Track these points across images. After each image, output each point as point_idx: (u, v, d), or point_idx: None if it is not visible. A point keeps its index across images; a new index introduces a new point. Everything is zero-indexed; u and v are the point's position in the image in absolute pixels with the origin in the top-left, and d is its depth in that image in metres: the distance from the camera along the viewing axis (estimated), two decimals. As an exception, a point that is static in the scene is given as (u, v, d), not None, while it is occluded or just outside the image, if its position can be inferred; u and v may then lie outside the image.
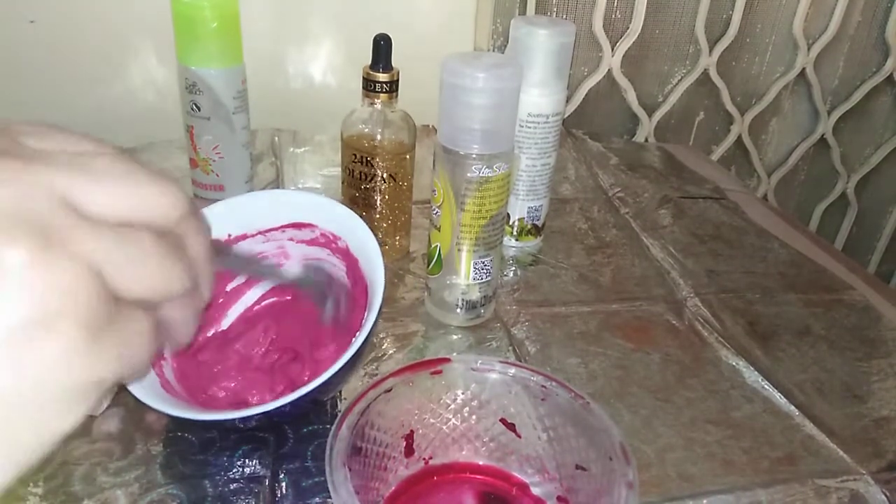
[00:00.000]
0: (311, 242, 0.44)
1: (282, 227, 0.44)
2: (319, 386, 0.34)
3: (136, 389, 0.35)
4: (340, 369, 0.34)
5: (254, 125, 0.60)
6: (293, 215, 0.43)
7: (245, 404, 0.40)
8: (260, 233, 0.44)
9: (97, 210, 0.19)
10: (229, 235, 0.43)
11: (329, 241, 0.43)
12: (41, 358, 0.18)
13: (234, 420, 0.36)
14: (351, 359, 0.34)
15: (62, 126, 0.21)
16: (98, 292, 0.18)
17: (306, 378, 0.40)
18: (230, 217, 0.43)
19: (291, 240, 0.44)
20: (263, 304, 0.46)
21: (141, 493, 0.36)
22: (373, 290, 0.38)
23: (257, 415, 0.34)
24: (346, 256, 0.43)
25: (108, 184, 0.20)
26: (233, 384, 0.41)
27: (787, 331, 0.55)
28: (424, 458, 0.37)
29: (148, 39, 0.77)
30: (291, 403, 0.34)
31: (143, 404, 0.35)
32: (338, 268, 0.43)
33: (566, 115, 0.92)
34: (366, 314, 0.37)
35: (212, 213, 0.42)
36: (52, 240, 0.18)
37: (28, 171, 0.18)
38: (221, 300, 0.45)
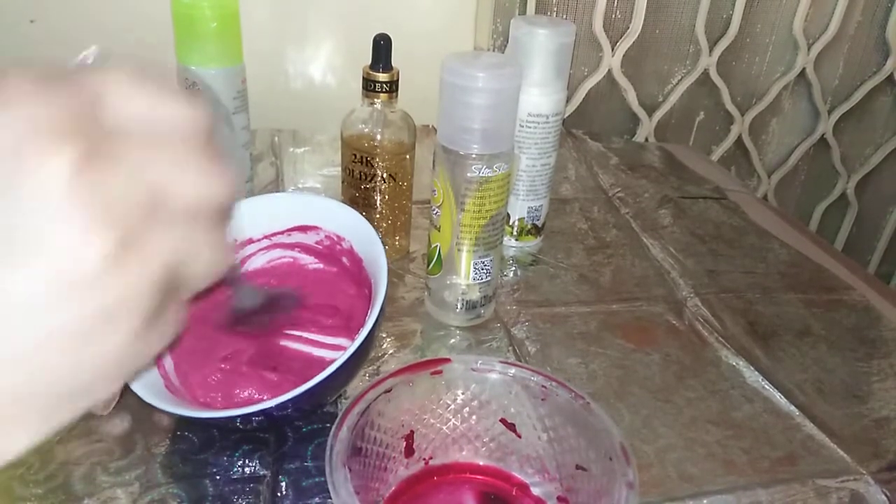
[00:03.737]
0: (318, 244, 0.44)
1: (287, 230, 0.43)
2: (321, 383, 0.34)
3: (139, 389, 0.35)
4: (342, 367, 0.34)
5: (254, 125, 0.60)
6: (297, 218, 0.43)
7: (245, 403, 0.40)
8: (265, 237, 0.44)
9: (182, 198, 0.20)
10: (234, 240, 0.43)
11: (334, 243, 0.43)
12: (102, 350, 0.19)
13: (235, 418, 0.36)
14: (353, 357, 0.34)
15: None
16: (162, 287, 0.20)
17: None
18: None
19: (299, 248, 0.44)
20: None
21: (141, 493, 0.36)
22: (377, 287, 0.38)
23: (257, 412, 0.34)
24: (351, 256, 0.43)
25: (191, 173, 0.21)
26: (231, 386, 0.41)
27: (788, 331, 0.55)
28: (424, 459, 0.37)
29: (148, 39, 0.77)
30: (293, 403, 0.34)
31: (147, 404, 0.35)
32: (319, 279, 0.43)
33: (566, 115, 0.92)
34: (369, 311, 0.37)
35: None
36: (129, 245, 0.19)
37: (117, 170, 0.19)
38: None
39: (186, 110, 0.22)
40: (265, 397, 0.40)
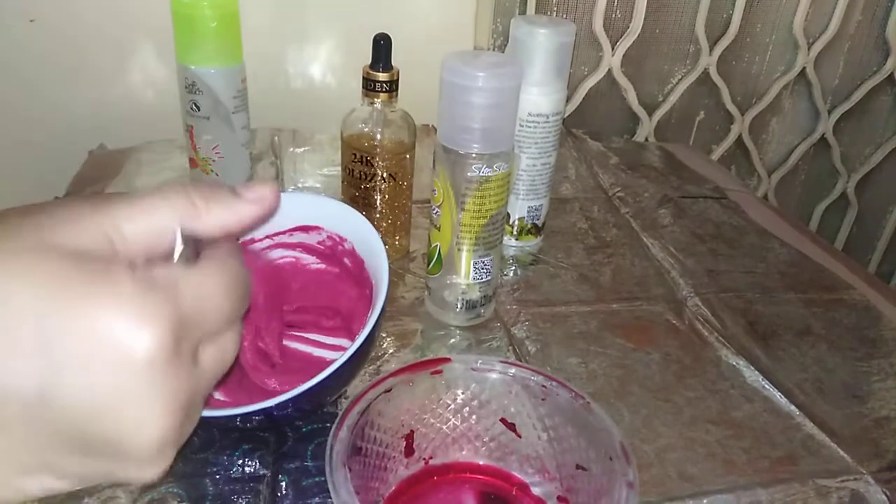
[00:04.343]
0: (320, 244, 0.44)
1: (289, 230, 0.43)
2: (321, 382, 0.34)
3: None
4: (342, 367, 0.34)
5: (253, 125, 0.60)
6: (300, 218, 0.43)
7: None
8: (268, 237, 0.44)
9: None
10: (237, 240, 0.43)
11: (336, 244, 0.43)
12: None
13: (235, 417, 0.36)
14: (353, 357, 0.34)
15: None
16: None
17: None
18: None
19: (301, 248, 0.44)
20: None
21: (141, 492, 0.36)
22: (378, 289, 0.38)
23: (258, 411, 0.34)
24: (353, 257, 0.43)
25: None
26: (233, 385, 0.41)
27: (788, 330, 0.55)
28: (424, 458, 0.37)
29: (148, 39, 0.77)
30: (293, 403, 0.34)
31: None
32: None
33: (566, 115, 0.92)
34: (370, 313, 0.37)
35: None
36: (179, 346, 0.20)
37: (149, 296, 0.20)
38: None
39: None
40: (265, 397, 0.40)
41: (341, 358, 0.34)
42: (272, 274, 0.44)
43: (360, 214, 0.42)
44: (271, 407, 0.34)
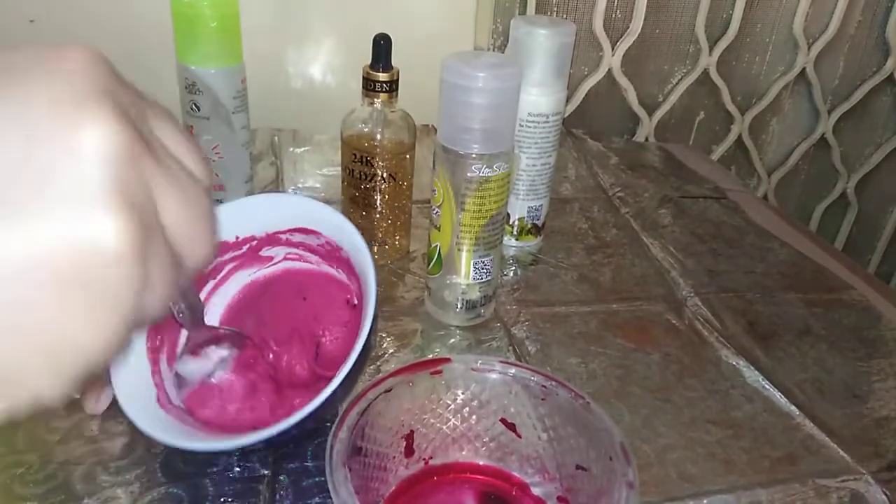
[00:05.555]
0: (321, 246, 0.43)
1: (290, 230, 0.43)
2: (317, 408, 0.33)
3: (132, 410, 0.35)
4: (339, 385, 0.34)
5: (253, 125, 0.60)
6: (298, 221, 0.43)
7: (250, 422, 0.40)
8: (268, 235, 0.43)
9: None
10: (237, 238, 0.43)
11: (333, 250, 0.42)
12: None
13: (234, 449, 0.36)
14: (349, 373, 0.34)
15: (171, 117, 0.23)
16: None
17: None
18: (239, 219, 0.42)
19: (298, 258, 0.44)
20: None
21: (141, 492, 0.36)
22: (366, 308, 0.37)
23: (259, 441, 0.34)
24: (348, 268, 0.42)
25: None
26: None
27: (788, 330, 0.55)
28: (424, 459, 0.37)
29: (147, 39, 0.77)
30: (277, 436, 0.33)
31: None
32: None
33: (566, 115, 0.92)
34: (360, 330, 0.35)
35: (219, 215, 0.41)
36: (146, 249, 0.19)
37: (145, 159, 0.20)
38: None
39: (204, 165, 0.23)
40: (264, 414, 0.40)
41: (334, 381, 0.34)
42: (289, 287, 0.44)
43: (354, 228, 0.40)
44: (272, 436, 0.34)
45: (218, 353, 0.40)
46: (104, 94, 0.19)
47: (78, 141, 0.18)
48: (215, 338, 0.40)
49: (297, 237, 0.43)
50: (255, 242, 0.43)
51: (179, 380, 0.39)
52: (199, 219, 0.22)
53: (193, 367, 0.39)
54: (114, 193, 0.18)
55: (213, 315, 0.44)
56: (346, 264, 0.42)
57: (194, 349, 0.39)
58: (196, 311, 0.36)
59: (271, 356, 0.43)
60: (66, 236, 0.18)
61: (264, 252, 0.44)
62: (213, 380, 0.40)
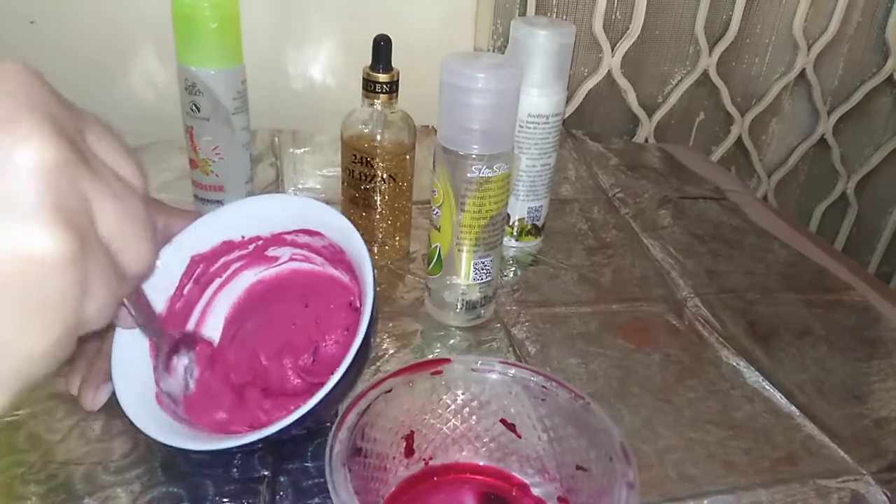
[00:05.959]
0: (325, 248, 0.43)
1: (294, 231, 0.43)
2: (315, 406, 0.33)
3: (130, 407, 0.35)
4: (336, 386, 0.34)
5: (254, 125, 0.60)
6: (301, 222, 0.43)
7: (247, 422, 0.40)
8: (273, 235, 0.43)
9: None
10: (243, 237, 0.43)
11: (336, 252, 0.42)
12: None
13: (232, 448, 0.36)
14: (344, 376, 0.34)
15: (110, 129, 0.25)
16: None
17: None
18: (244, 219, 0.42)
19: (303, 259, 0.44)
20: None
21: (142, 492, 0.36)
22: (365, 308, 0.37)
23: (258, 440, 0.34)
24: (350, 271, 0.42)
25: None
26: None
27: (788, 331, 0.55)
28: (424, 459, 0.37)
29: (148, 40, 0.77)
30: (266, 439, 0.33)
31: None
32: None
33: (566, 116, 0.92)
34: (357, 331, 0.35)
35: (220, 215, 0.42)
36: (84, 253, 0.20)
37: (80, 171, 0.21)
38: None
39: (140, 175, 0.24)
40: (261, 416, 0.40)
41: (331, 378, 0.34)
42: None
43: (355, 231, 0.40)
44: (269, 435, 0.34)
45: (181, 362, 0.40)
46: (38, 108, 0.20)
47: (14, 155, 0.19)
48: (174, 346, 0.40)
49: (303, 238, 0.43)
50: (261, 242, 0.43)
51: (170, 397, 0.39)
52: (136, 226, 0.23)
53: (172, 383, 0.39)
54: (49, 205, 0.19)
55: (218, 315, 0.44)
56: (349, 267, 0.42)
57: (166, 365, 0.39)
58: (149, 319, 0.36)
59: (264, 362, 0.43)
60: (2, 247, 0.18)
61: (270, 252, 0.44)
62: (190, 391, 0.40)
